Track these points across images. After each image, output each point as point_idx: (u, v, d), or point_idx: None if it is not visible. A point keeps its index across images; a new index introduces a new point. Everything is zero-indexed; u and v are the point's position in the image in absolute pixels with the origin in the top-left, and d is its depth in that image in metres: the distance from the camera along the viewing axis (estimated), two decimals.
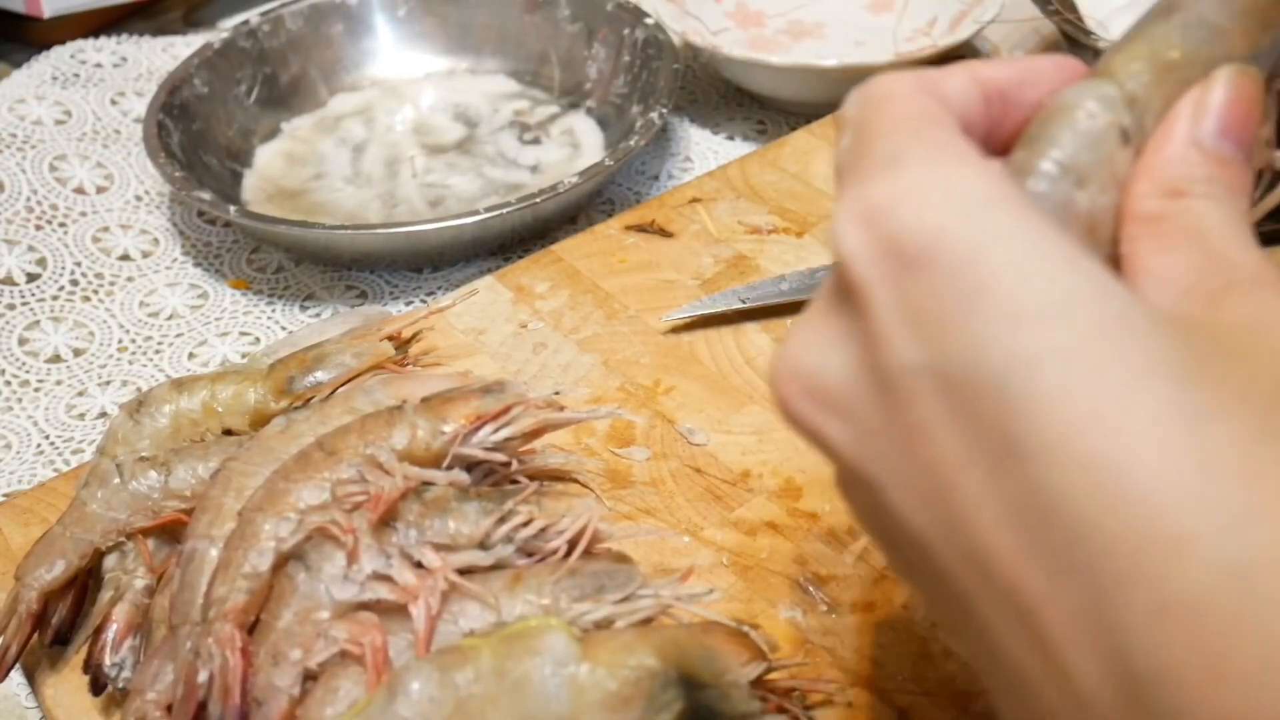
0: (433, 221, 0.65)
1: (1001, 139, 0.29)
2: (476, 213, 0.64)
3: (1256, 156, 0.27)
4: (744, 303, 0.57)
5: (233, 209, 0.66)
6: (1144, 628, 0.21)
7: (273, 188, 0.77)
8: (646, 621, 0.41)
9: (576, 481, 0.49)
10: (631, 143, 0.68)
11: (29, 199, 0.73)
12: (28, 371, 0.64)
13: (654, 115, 0.70)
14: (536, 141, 0.79)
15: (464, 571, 0.41)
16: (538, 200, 0.64)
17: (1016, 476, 0.23)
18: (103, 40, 0.88)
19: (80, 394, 0.62)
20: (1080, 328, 0.23)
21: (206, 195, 0.67)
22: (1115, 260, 0.27)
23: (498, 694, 0.35)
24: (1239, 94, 0.27)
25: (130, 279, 0.70)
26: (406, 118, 0.82)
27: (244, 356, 0.63)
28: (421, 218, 0.72)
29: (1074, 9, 0.76)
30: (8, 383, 0.63)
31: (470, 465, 0.45)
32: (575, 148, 0.78)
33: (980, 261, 0.24)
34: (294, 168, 0.78)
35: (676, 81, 0.73)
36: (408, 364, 0.54)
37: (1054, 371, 0.22)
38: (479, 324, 0.58)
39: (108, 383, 0.63)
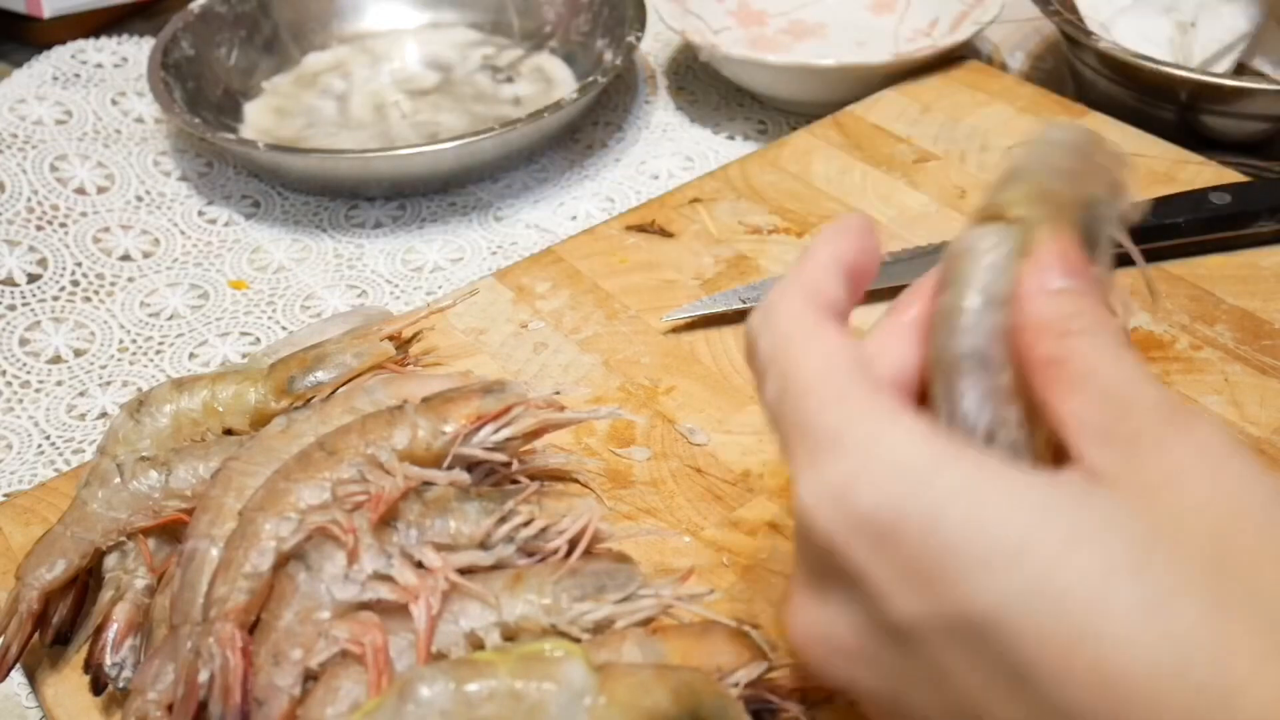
0: (437, 143, 0.70)
1: (860, 297, 0.35)
2: (493, 129, 0.70)
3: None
4: (744, 303, 0.57)
5: (261, 144, 0.71)
6: None
7: (269, 139, 0.79)
8: (647, 621, 0.41)
9: (577, 481, 0.49)
10: (602, 74, 0.74)
11: (30, 199, 0.73)
12: (28, 372, 0.64)
13: (630, 39, 0.76)
14: (510, 80, 0.84)
15: (465, 571, 0.41)
16: (532, 120, 0.70)
17: (1032, 696, 0.27)
18: (103, 40, 0.88)
19: (81, 394, 0.62)
20: (1042, 558, 0.26)
21: (231, 135, 0.73)
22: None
23: (511, 717, 0.35)
24: (1060, 246, 0.32)
25: (131, 279, 0.70)
26: (381, 69, 0.86)
27: (244, 356, 0.63)
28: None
29: (1074, 9, 0.76)
30: (8, 383, 0.63)
31: (471, 465, 0.45)
32: (548, 83, 0.83)
33: (941, 524, 0.28)
34: (285, 120, 0.82)
35: (644, 10, 0.78)
36: (408, 364, 0.54)
37: (1034, 605, 0.26)
38: (479, 324, 0.58)
39: (108, 383, 0.63)
